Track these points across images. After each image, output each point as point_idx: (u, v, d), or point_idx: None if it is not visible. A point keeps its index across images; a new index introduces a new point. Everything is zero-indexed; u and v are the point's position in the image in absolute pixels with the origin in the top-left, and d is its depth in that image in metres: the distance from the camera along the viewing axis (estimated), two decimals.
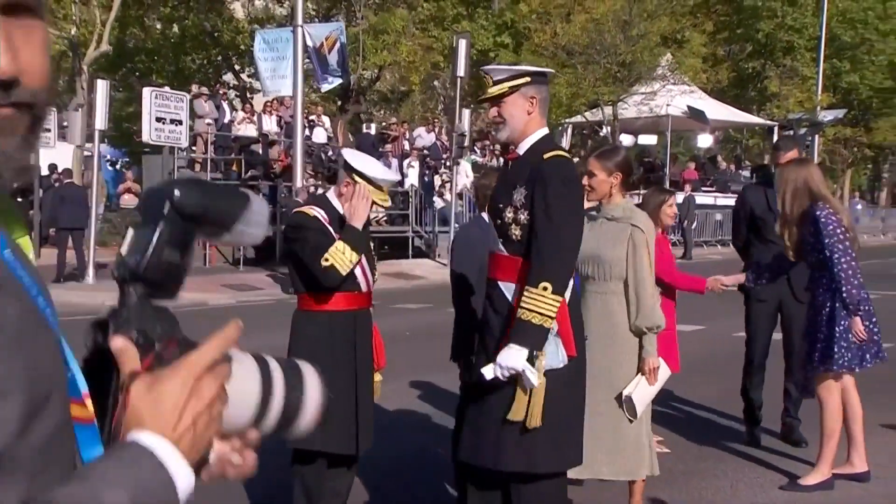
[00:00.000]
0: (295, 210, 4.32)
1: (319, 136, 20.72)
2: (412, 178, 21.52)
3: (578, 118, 25.05)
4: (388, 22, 17.29)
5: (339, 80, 16.58)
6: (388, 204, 5.02)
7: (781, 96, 30.87)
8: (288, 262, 4.24)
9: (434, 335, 8.03)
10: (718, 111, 25.39)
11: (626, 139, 25.64)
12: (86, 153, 20.51)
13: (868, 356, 5.04)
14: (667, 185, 21.05)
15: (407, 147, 23.03)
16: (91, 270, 15.34)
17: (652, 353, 4.18)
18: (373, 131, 22.97)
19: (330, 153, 21.09)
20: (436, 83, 28.96)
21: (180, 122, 14.81)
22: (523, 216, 3.24)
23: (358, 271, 3.95)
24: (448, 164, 22.96)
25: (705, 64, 25.75)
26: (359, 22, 16.62)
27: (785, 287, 6.10)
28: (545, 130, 3.50)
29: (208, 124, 19.36)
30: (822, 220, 4.91)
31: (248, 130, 20.90)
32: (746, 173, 28.48)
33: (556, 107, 24.58)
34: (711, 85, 26.51)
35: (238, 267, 18.54)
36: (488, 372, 3.21)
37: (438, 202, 21.74)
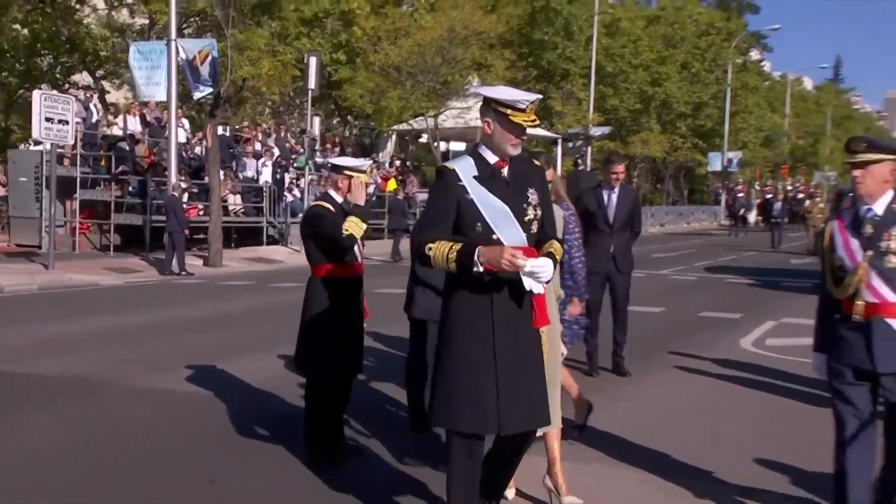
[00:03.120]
0: (313, 204, 4.89)
1: (181, 136, 20.27)
2: (266, 176, 21.54)
3: (405, 126, 25.83)
4: (252, 40, 17.28)
5: (210, 89, 16.38)
6: (371, 183, 5.74)
7: (562, 114, 33.06)
8: (308, 242, 4.77)
9: None
10: None
11: (442, 145, 26.75)
12: None
13: (569, 335, 5.06)
14: None
15: (259, 147, 22.98)
16: None
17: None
18: (227, 133, 22.70)
19: (189, 152, 20.74)
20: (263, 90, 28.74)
21: (66, 122, 14.18)
22: (538, 212, 3.35)
23: (356, 247, 4.63)
24: (295, 164, 23.16)
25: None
26: (227, 39, 16.49)
27: (611, 263, 7.10)
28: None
29: (77, 123, 18.46)
30: (566, 217, 4.88)
31: (114, 129, 20.12)
32: None
33: (388, 116, 25.30)
34: None
35: (108, 252, 17.95)
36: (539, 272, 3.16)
37: (288, 196, 21.88)
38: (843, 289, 3.56)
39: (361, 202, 4.65)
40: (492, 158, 3.29)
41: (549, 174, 4.68)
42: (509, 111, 3.19)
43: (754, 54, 56.42)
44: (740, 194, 41.22)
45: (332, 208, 4.68)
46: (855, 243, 3.55)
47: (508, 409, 3.20)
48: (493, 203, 3.23)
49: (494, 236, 3.19)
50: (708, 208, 47.21)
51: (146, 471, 4.60)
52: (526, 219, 3.27)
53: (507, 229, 3.21)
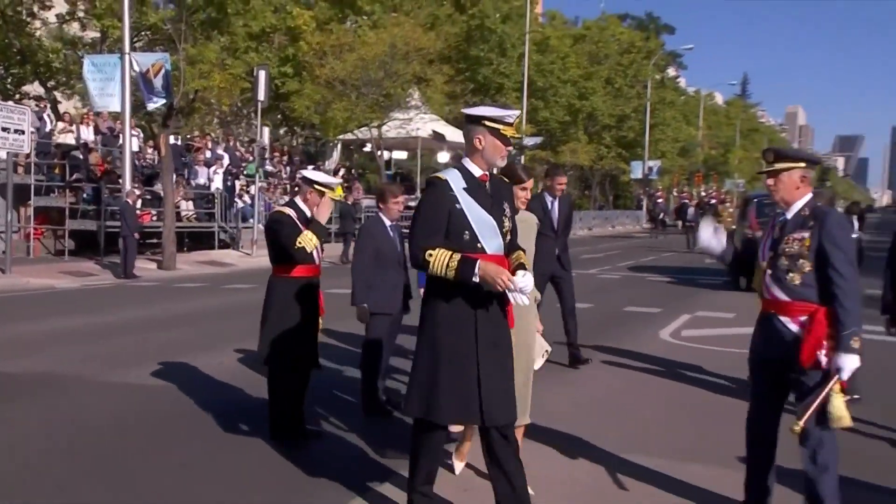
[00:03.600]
0: (276, 209, 5.03)
1: (134, 145, 19.94)
2: (217, 183, 21.35)
3: (350, 136, 25.89)
4: (203, 54, 17.13)
5: (164, 101, 16.19)
6: (340, 197, 5.85)
7: None
8: (268, 243, 4.93)
9: None
10: (455, 135, 27.28)
11: (386, 154, 26.89)
12: None
13: None
14: (417, 193, 22.47)
15: (210, 156, 22.75)
16: None
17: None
18: (179, 142, 22.40)
19: (142, 161, 20.41)
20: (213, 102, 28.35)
21: (22, 132, 13.86)
22: (512, 223, 3.50)
23: (315, 251, 4.80)
24: (245, 171, 23.00)
25: (447, 98, 27.55)
26: (179, 53, 16.32)
27: (556, 264, 7.32)
28: None
29: (32, 133, 17.99)
30: None
31: (68, 139, 19.65)
32: None
33: (334, 127, 25.32)
34: (452, 115, 28.43)
35: (63, 257, 17.54)
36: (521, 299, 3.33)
37: (239, 203, 21.73)
38: (756, 284, 3.74)
39: (324, 219, 4.79)
40: (477, 172, 3.40)
41: None
42: (500, 126, 3.35)
43: (671, 71, 58.20)
44: (660, 200, 42.52)
45: (293, 215, 4.83)
46: (768, 244, 3.69)
47: (491, 402, 3.30)
48: (480, 214, 3.34)
49: (479, 245, 3.31)
50: (631, 213, 48.45)
51: (120, 457, 4.68)
52: (504, 230, 3.41)
53: (491, 239, 3.34)
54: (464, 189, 3.33)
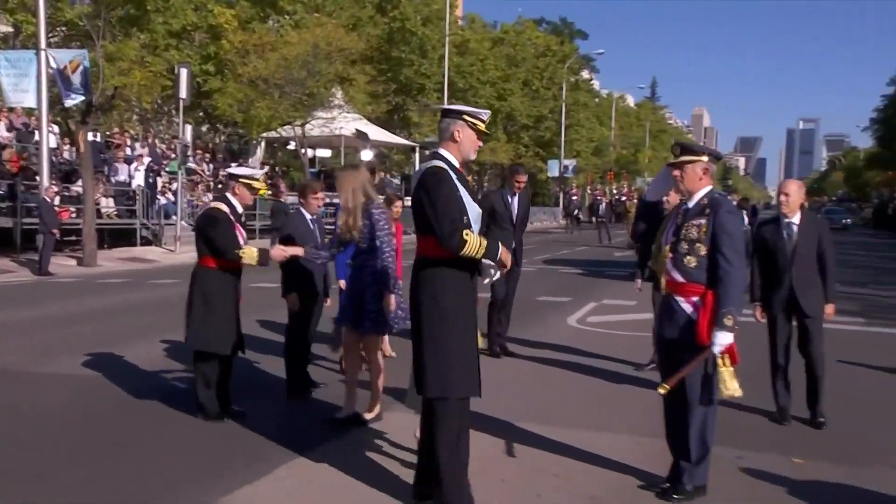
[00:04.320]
0: (211, 206, 5.21)
1: (51, 141, 19.34)
2: (138, 180, 20.93)
3: (274, 134, 25.72)
4: (123, 51, 16.79)
5: (82, 97, 15.81)
6: (265, 192, 6.04)
7: (419, 125, 33.91)
8: (199, 237, 5.10)
9: None
10: (377, 134, 27.50)
11: (309, 152, 26.83)
12: None
13: (394, 324, 5.20)
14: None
15: (129, 153, 22.26)
16: None
17: None
18: (98, 139, 21.82)
19: (59, 157, 19.80)
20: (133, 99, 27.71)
21: None
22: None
23: (241, 241, 5.04)
24: (168, 168, 22.57)
25: (369, 98, 27.69)
26: (97, 50, 15.96)
27: (512, 259, 7.53)
28: None
29: None
30: (377, 216, 4.91)
31: None
32: (397, 181, 31.07)
33: (257, 125, 25.13)
34: (374, 114, 28.60)
35: None
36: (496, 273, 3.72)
37: (161, 199, 21.34)
38: (657, 266, 4.10)
39: (249, 202, 5.15)
40: (456, 163, 3.64)
41: (360, 178, 4.95)
42: (478, 122, 3.65)
43: (585, 74, 59.83)
44: (574, 197, 43.76)
45: (226, 211, 5.06)
46: (672, 230, 4.01)
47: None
48: (469, 200, 3.60)
49: (471, 229, 3.55)
50: (548, 209, 49.61)
51: (58, 443, 4.79)
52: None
53: (476, 224, 3.63)
54: (456, 178, 3.59)
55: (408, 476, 4.05)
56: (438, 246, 3.53)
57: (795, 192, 5.37)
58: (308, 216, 5.86)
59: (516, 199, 7.54)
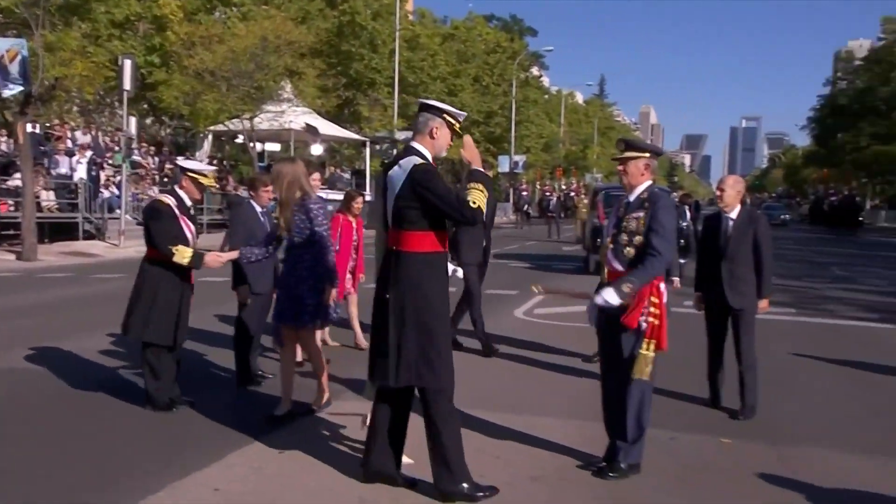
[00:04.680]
0: (156, 197, 5.22)
1: None
2: (80, 173, 20.41)
3: (221, 127, 25.37)
4: (64, 41, 16.38)
5: (21, 88, 15.39)
6: (215, 186, 6.04)
7: (370, 119, 33.80)
8: (145, 228, 5.12)
9: None
10: (327, 128, 27.31)
11: (258, 146, 26.54)
12: None
13: (329, 316, 5.32)
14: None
15: (70, 145, 21.70)
16: None
17: None
18: (38, 131, 21.23)
19: None
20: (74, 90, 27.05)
21: None
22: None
23: (191, 239, 5.06)
24: (111, 161, 22.08)
25: (319, 92, 27.48)
26: (36, 39, 15.54)
27: (482, 256, 7.26)
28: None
29: None
30: (314, 211, 4.92)
31: None
32: (347, 175, 30.98)
33: (205, 118, 24.74)
34: (324, 109, 28.40)
35: None
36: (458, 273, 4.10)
37: (105, 193, 20.89)
38: (601, 258, 4.31)
39: (197, 196, 5.19)
40: (430, 158, 3.77)
41: (295, 171, 4.95)
42: (455, 122, 3.80)
43: (535, 71, 60.50)
44: (524, 193, 44.25)
45: (172, 204, 5.08)
46: (613, 222, 4.23)
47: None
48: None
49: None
50: (499, 205, 50.02)
51: (10, 432, 4.77)
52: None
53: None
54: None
55: (355, 461, 4.17)
56: (424, 241, 3.70)
57: (731, 186, 5.55)
58: (258, 209, 5.92)
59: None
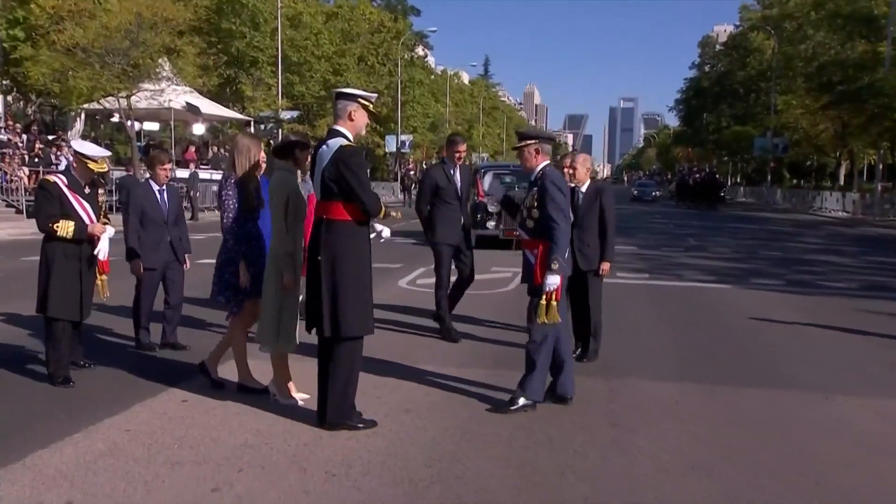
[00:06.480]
0: (45, 176, 5.49)
1: None
2: None
3: (96, 105, 24.53)
4: None
5: None
6: (106, 170, 6.26)
7: (253, 99, 33.44)
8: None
9: None
10: (209, 107, 26.98)
11: (136, 125, 25.87)
12: None
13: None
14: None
15: None
16: None
17: None
18: None
19: None
20: None
21: None
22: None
23: (85, 216, 5.37)
24: None
25: (200, 70, 26.99)
26: None
27: (461, 234, 7.27)
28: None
29: None
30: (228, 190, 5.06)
31: None
32: None
33: (77, 96, 23.85)
34: (205, 87, 27.93)
35: None
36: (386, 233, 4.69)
37: None
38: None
39: (86, 179, 5.42)
40: (352, 140, 4.33)
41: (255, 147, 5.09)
42: (370, 104, 4.33)
43: (420, 51, 61.13)
44: (411, 172, 45.02)
45: (61, 183, 5.31)
46: (524, 200, 5.03)
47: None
48: None
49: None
50: (387, 184, 50.55)
51: None
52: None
53: None
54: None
55: (254, 402, 4.80)
56: (347, 210, 4.26)
57: (581, 164, 6.50)
58: (156, 187, 6.30)
59: (458, 170, 7.22)
